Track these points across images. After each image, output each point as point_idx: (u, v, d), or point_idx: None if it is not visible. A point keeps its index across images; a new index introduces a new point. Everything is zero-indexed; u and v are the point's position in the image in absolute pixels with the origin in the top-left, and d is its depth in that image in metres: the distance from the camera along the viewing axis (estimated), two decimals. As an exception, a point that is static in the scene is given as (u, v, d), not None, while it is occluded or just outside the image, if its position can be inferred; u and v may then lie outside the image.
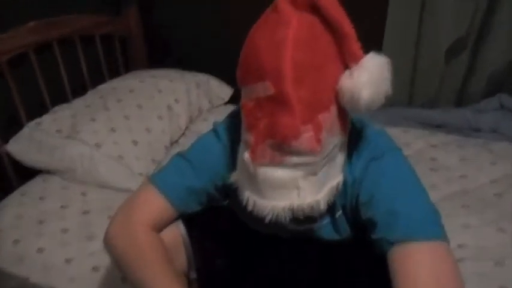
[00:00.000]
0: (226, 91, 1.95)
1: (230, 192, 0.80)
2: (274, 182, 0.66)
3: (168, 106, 1.67)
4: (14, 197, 1.40)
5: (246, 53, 0.68)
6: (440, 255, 0.69)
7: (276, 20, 0.65)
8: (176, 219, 0.91)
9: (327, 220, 0.85)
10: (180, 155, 0.90)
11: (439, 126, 1.69)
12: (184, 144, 1.65)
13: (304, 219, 0.80)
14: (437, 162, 1.45)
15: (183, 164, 0.88)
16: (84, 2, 1.74)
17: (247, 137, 0.68)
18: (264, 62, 0.64)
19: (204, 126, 1.73)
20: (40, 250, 1.19)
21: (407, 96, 1.79)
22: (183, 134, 1.71)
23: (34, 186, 1.44)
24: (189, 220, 0.93)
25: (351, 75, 0.65)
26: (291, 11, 0.64)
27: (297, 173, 0.66)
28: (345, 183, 0.75)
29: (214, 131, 0.90)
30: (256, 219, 0.69)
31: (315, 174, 0.67)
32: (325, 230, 0.86)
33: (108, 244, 0.86)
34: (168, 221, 0.89)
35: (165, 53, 2.12)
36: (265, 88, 0.64)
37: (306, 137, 0.63)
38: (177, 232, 0.92)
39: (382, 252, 0.72)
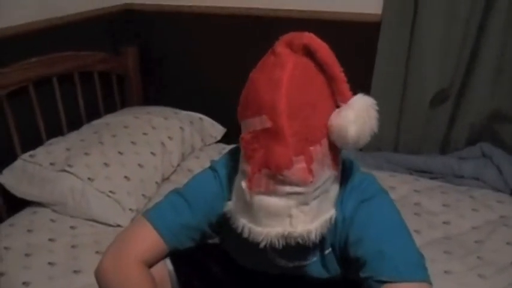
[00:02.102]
0: (218, 130, 2.00)
1: (223, 228, 0.82)
2: (268, 209, 0.71)
3: (162, 143, 1.70)
4: (2, 228, 1.40)
5: (246, 90, 0.75)
6: None
7: (274, 62, 0.72)
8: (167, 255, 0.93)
9: (316, 257, 0.87)
10: (176, 191, 0.93)
11: (423, 172, 1.74)
12: (176, 181, 1.67)
13: (294, 256, 0.83)
14: (421, 207, 1.49)
15: (178, 201, 0.90)
16: (85, 40, 1.81)
17: (244, 167, 0.73)
18: (262, 98, 0.70)
19: (195, 164, 1.77)
20: (26, 284, 1.18)
21: (393, 142, 1.85)
22: (175, 171, 1.74)
23: (23, 217, 1.45)
24: (178, 257, 0.94)
25: (339, 113, 0.71)
26: (288, 54, 0.71)
27: (289, 202, 0.70)
28: (335, 222, 0.79)
29: (211, 168, 0.93)
30: (248, 255, 0.72)
31: (306, 204, 0.71)
32: (315, 268, 0.88)
33: (99, 277, 0.87)
34: (160, 257, 0.90)
35: (160, 91, 2.18)
36: (262, 121, 0.70)
37: (298, 167, 0.68)
38: (164, 268, 0.93)
39: None
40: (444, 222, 1.41)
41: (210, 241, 1.01)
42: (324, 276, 0.89)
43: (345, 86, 0.72)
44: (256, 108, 0.70)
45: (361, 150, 1.84)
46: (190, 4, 1.98)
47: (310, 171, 0.69)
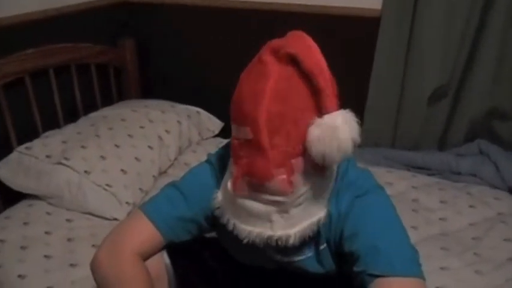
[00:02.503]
0: (216, 124, 1.99)
1: (219, 222, 0.83)
2: (250, 211, 0.73)
3: (159, 136, 1.69)
4: (-2, 221, 1.39)
5: (234, 97, 0.74)
6: None
7: (259, 70, 0.71)
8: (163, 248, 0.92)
9: (311, 253, 0.87)
10: (172, 184, 0.93)
11: (421, 168, 1.74)
12: (173, 175, 1.66)
13: (289, 251, 0.83)
14: (419, 203, 1.49)
15: (174, 194, 0.90)
16: (83, 32, 1.79)
17: (232, 168, 0.75)
18: (245, 110, 0.70)
19: (193, 158, 1.76)
20: (21, 277, 1.17)
21: (391, 138, 1.85)
22: (172, 164, 1.73)
23: (19, 210, 1.44)
24: (175, 250, 0.94)
25: (314, 127, 0.69)
26: (273, 63, 0.70)
27: (270, 208, 0.72)
28: (330, 217, 0.80)
29: (208, 161, 0.93)
30: (243, 250, 0.72)
31: (286, 212, 0.73)
32: (310, 263, 0.89)
33: (94, 269, 0.87)
34: (156, 249, 0.90)
35: (158, 84, 2.17)
36: (245, 132, 0.70)
37: (279, 179, 0.70)
38: (161, 261, 0.93)
39: (363, 284, 0.75)
40: (441, 219, 1.41)
41: (207, 235, 1.01)
42: (319, 271, 0.89)
43: (327, 99, 0.69)
44: (240, 118, 0.71)
45: (359, 146, 1.83)
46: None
47: (290, 182, 0.70)
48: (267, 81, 0.68)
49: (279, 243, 0.75)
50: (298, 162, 0.70)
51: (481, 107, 1.72)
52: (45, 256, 1.24)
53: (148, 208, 0.90)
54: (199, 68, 2.06)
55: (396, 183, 1.59)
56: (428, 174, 1.69)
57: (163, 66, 2.13)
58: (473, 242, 1.31)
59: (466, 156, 1.70)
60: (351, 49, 1.76)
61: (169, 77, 2.14)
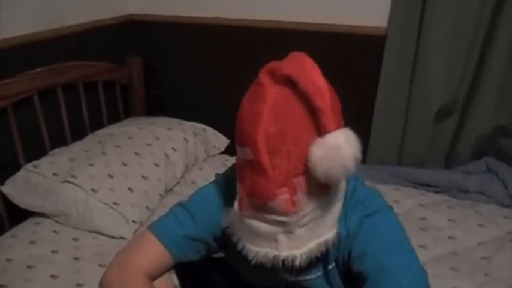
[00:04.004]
0: (222, 141, 2.00)
1: (228, 241, 0.83)
2: (257, 231, 0.73)
3: (166, 154, 1.69)
4: (5, 240, 1.39)
5: (237, 119, 0.75)
6: None
7: (257, 93, 0.72)
8: (171, 268, 0.92)
9: (320, 272, 0.87)
10: (180, 204, 0.93)
11: (428, 186, 1.73)
12: (179, 192, 1.66)
13: (298, 270, 0.83)
14: (427, 221, 1.48)
15: (182, 214, 0.90)
16: (90, 50, 1.81)
17: (238, 187, 0.75)
18: (245, 131, 0.71)
19: (199, 176, 1.76)
20: (28, 296, 1.17)
21: (397, 156, 1.85)
22: (178, 182, 1.73)
23: (26, 228, 1.44)
24: (184, 272, 0.94)
25: (312, 148, 0.69)
26: (270, 85, 0.70)
27: (275, 229, 0.72)
28: (339, 237, 0.79)
29: (215, 182, 0.94)
30: (252, 269, 0.72)
31: (291, 232, 0.73)
32: (318, 282, 0.88)
33: None
34: (164, 269, 0.90)
35: (164, 102, 2.18)
36: (247, 153, 0.71)
37: (282, 199, 0.69)
38: (170, 283, 0.92)
39: None
40: (450, 238, 1.40)
41: (216, 255, 1.01)
42: None
43: (326, 118, 0.68)
44: (241, 139, 0.72)
45: (363, 163, 1.84)
46: (194, 15, 1.98)
47: (293, 202, 0.70)
48: (265, 103, 0.69)
49: (286, 263, 0.74)
50: (300, 181, 0.70)
51: (488, 124, 1.72)
52: (52, 276, 1.24)
53: (157, 227, 0.90)
54: (205, 85, 2.08)
55: (403, 201, 1.58)
56: (436, 192, 1.68)
57: (169, 83, 2.15)
58: (483, 262, 1.29)
59: (473, 174, 1.69)
60: (356, 66, 1.77)
61: (176, 94, 2.16)
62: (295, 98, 0.70)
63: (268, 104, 0.69)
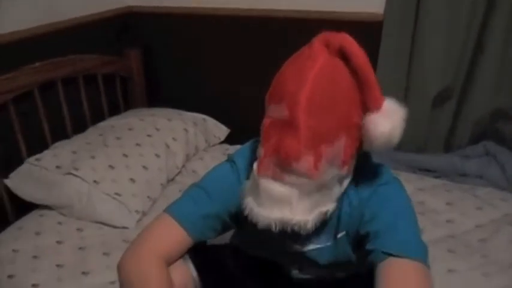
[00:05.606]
0: (222, 131, 2.01)
1: (241, 218, 0.83)
2: (272, 194, 0.73)
3: (166, 144, 1.71)
4: (10, 231, 1.42)
5: (276, 78, 0.76)
6: (426, 277, 0.75)
7: (308, 55, 0.73)
8: (189, 260, 0.93)
9: (329, 242, 0.89)
10: (193, 185, 0.94)
11: (427, 170, 1.74)
12: (180, 182, 1.69)
13: (307, 239, 0.86)
14: (425, 205, 1.49)
15: (197, 193, 0.90)
16: (89, 43, 1.82)
17: (259, 150, 0.76)
18: (287, 87, 0.72)
19: (200, 165, 1.78)
20: (35, 286, 1.20)
21: (396, 141, 1.86)
22: (179, 172, 1.75)
23: (30, 220, 1.47)
24: (199, 263, 0.94)
25: (377, 120, 0.73)
26: (322, 51, 0.72)
27: (292, 191, 0.73)
28: (350, 205, 0.83)
29: (228, 160, 0.94)
30: (261, 242, 0.73)
31: (308, 195, 0.74)
32: (324, 252, 0.90)
33: (119, 270, 0.87)
34: (183, 251, 0.90)
35: (164, 93, 2.19)
36: (281, 110, 0.71)
37: (306, 161, 0.70)
38: (187, 274, 0.92)
39: (374, 262, 0.77)
40: (448, 221, 1.42)
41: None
42: (333, 261, 0.90)
43: (378, 93, 0.73)
44: (279, 96, 0.73)
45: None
46: (193, 6, 1.99)
47: (317, 167, 0.71)
48: (314, 65, 0.70)
49: (296, 228, 0.74)
50: (327, 150, 0.71)
51: (486, 108, 1.72)
52: (58, 265, 1.27)
53: (172, 209, 0.90)
54: (205, 76, 2.08)
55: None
56: (434, 177, 1.69)
57: (169, 74, 2.16)
58: (480, 244, 1.31)
59: (471, 158, 1.70)
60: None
61: (175, 85, 2.17)
62: (343, 70, 0.72)
63: (317, 67, 0.70)
